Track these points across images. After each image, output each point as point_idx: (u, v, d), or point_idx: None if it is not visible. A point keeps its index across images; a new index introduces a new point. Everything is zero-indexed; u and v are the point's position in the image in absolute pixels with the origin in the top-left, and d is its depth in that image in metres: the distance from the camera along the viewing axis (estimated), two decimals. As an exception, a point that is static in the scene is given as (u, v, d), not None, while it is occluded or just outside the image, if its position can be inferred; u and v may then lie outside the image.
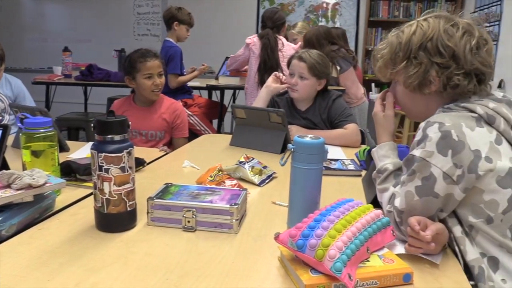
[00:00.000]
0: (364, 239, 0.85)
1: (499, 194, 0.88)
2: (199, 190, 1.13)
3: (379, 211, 0.94)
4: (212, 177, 1.31)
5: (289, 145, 1.01)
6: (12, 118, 2.39)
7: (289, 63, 2.10)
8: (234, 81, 3.52)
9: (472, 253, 0.91)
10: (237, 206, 1.02)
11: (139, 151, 1.67)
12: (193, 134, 3.03)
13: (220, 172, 1.34)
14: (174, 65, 3.33)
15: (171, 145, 2.23)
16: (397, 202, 0.96)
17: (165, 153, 1.83)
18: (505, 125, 0.93)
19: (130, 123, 1.02)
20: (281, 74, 2.14)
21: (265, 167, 1.50)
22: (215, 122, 3.78)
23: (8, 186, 1.02)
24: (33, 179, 1.03)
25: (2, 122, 2.25)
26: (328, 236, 0.80)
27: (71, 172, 1.37)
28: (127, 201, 1.01)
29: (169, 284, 0.80)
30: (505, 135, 0.93)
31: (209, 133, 3.32)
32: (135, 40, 5.68)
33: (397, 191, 0.98)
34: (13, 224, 0.99)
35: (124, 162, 0.99)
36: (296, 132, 2.09)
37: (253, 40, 3.18)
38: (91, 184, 1.33)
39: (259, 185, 1.41)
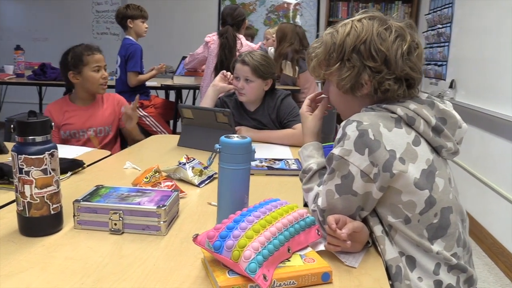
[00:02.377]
0: (284, 239, 0.85)
1: (416, 195, 0.91)
2: (130, 192, 1.11)
3: (303, 210, 0.95)
4: (147, 178, 1.30)
5: (216, 145, 1.01)
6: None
7: (233, 67, 2.10)
8: (189, 80, 3.49)
9: (391, 253, 0.93)
10: (164, 207, 1.01)
11: (88, 155, 1.63)
12: (149, 135, 2.99)
13: (157, 173, 1.33)
14: (134, 63, 3.28)
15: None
16: (319, 201, 0.98)
17: (108, 154, 1.80)
18: (425, 127, 0.95)
19: (53, 123, 1.00)
20: (229, 73, 2.14)
21: (206, 167, 1.49)
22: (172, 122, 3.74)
23: None
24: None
25: None
26: (245, 237, 0.80)
27: (4, 175, 1.32)
28: (50, 204, 0.99)
29: (83, 289, 0.79)
30: (424, 136, 0.95)
31: (165, 133, 3.28)
32: (93, 38, 5.55)
33: (320, 190, 1.00)
34: None
35: (46, 164, 0.96)
36: (245, 133, 2.10)
37: (213, 38, 3.15)
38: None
39: (198, 185, 1.40)
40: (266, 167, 1.58)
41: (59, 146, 1.86)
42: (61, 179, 1.40)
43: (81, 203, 1.03)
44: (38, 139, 0.96)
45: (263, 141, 2.04)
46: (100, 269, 0.85)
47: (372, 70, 0.96)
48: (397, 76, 0.96)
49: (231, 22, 3.13)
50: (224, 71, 2.18)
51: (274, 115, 2.13)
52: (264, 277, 0.77)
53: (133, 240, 0.99)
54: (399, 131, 0.93)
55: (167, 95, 4.01)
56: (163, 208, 1.01)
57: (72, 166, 1.48)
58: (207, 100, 2.14)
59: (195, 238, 0.84)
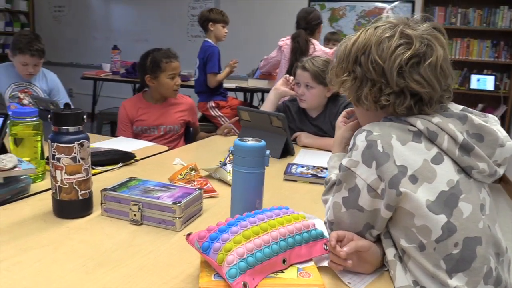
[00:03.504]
0: (279, 249, 0.82)
1: (430, 220, 0.81)
2: (156, 186, 1.16)
3: (310, 222, 0.91)
4: (182, 175, 1.34)
5: (231, 148, 1.00)
6: (47, 109, 2.58)
7: (294, 73, 2.08)
8: (262, 84, 3.53)
9: (402, 280, 0.84)
10: (180, 204, 1.04)
11: (148, 148, 1.73)
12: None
13: (193, 171, 1.36)
14: (213, 64, 3.40)
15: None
16: (328, 213, 0.93)
17: (166, 149, 1.89)
18: (450, 143, 0.85)
19: (85, 116, 1.08)
20: (291, 78, 2.12)
21: (246, 169, 1.49)
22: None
23: (-21, 167, 1.11)
24: (2, 163, 1.11)
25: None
26: (233, 241, 0.79)
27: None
28: (78, 190, 1.06)
29: (82, 270, 0.84)
30: (449, 154, 0.85)
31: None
32: (188, 41, 5.87)
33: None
34: (-23, 202, 1.08)
35: (75, 153, 1.04)
36: (305, 139, 2.07)
37: (286, 42, 3.15)
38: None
39: (234, 186, 1.41)
40: (310, 175, 1.54)
41: (128, 139, 2.03)
42: (112, 169, 1.52)
43: (108, 192, 1.10)
44: (70, 129, 1.04)
45: (321, 148, 2.00)
46: (106, 254, 0.90)
47: (372, 83, 0.88)
48: (394, 90, 0.86)
49: (305, 26, 3.09)
50: (287, 75, 2.17)
51: (335, 122, 2.06)
52: (244, 285, 0.75)
53: (148, 232, 1.03)
54: (417, 145, 0.84)
55: (245, 98, 4.10)
56: (178, 204, 1.04)
57: (123, 158, 1.57)
58: (267, 104, 2.14)
59: (188, 236, 0.85)
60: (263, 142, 0.99)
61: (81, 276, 0.82)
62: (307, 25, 3.08)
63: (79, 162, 1.05)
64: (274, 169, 1.63)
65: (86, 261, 0.87)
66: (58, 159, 1.03)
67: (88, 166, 1.08)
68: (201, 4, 5.71)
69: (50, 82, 2.58)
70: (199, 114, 3.65)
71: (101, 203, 1.11)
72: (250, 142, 0.99)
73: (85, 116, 1.07)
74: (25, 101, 2.47)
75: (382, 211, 0.84)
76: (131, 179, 1.21)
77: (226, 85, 3.60)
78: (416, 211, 0.81)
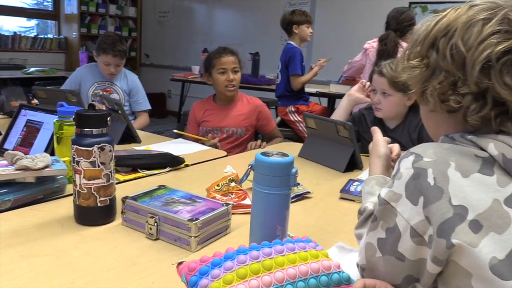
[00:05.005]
0: (284, 293, 0.66)
1: (494, 285, 0.58)
2: (182, 197, 1.05)
3: (332, 263, 0.72)
4: (219, 186, 1.22)
5: (251, 162, 0.86)
6: (127, 109, 2.66)
7: (371, 78, 1.84)
8: (344, 89, 3.27)
9: None
10: (196, 221, 0.92)
11: (205, 152, 1.66)
12: (301, 141, 2.93)
13: (232, 182, 1.24)
14: (294, 66, 3.28)
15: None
16: (360, 255, 0.73)
17: (224, 155, 1.79)
18: None
19: (109, 118, 1.01)
20: (368, 83, 1.89)
21: (297, 184, 1.33)
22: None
23: (12, 165, 1.11)
24: (33, 162, 1.10)
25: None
26: (222, 281, 0.64)
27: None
28: (97, 196, 1.00)
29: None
30: None
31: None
32: (281, 45, 5.76)
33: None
34: (6, 200, 1.07)
35: (94, 157, 0.97)
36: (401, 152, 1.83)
37: (372, 45, 2.89)
38: (118, 176, 1.38)
39: (279, 203, 1.25)
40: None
41: (187, 142, 1.98)
42: (158, 173, 1.46)
43: (128, 200, 1.02)
44: (91, 131, 0.98)
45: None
46: (103, 272, 0.82)
47: (445, 76, 0.67)
48: (472, 90, 0.64)
49: (395, 27, 2.79)
50: (364, 80, 1.94)
51: (415, 135, 1.80)
52: (227, 338, 0.60)
53: (160, 249, 0.93)
54: (485, 179, 0.61)
55: (329, 104, 3.89)
56: (194, 221, 0.92)
57: (171, 162, 1.51)
58: (339, 111, 1.94)
59: (179, 265, 0.72)
60: (289, 158, 0.83)
61: (62, 296, 0.74)
62: (397, 26, 2.79)
63: (99, 167, 0.99)
64: (333, 184, 1.44)
65: (77, 278, 0.79)
66: (77, 163, 0.98)
67: (110, 172, 1.01)
68: (296, 7, 5.60)
69: (131, 82, 2.66)
70: (278, 119, 3.53)
71: (122, 212, 1.03)
72: (274, 156, 0.83)
73: (108, 119, 1.01)
74: (106, 100, 2.57)
75: (429, 265, 0.62)
76: (160, 187, 1.12)
77: (307, 89, 3.44)
78: (475, 271, 0.59)
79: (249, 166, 0.85)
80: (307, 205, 1.27)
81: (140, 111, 2.71)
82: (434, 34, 0.70)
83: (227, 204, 1.03)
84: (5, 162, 1.11)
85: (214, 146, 1.97)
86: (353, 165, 1.65)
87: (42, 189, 1.15)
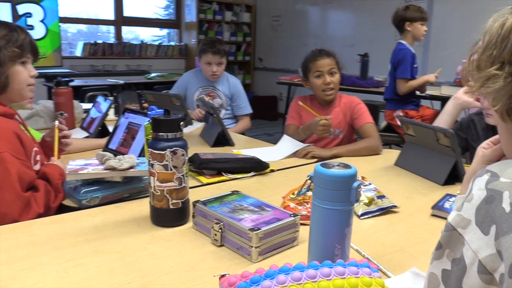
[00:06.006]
0: (327, 322, 0.60)
1: None
2: (250, 205, 1.03)
3: (390, 292, 0.64)
4: (294, 194, 1.17)
5: (310, 174, 0.80)
6: (229, 113, 2.75)
7: None
8: (456, 91, 2.93)
9: None
10: (258, 231, 0.89)
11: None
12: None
13: (310, 191, 1.18)
14: (404, 69, 3.05)
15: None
16: (424, 284, 0.63)
17: (314, 161, 1.73)
18: None
19: (182, 123, 1.03)
20: (478, 86, 1.66)
21: (381, 196, 1.22)
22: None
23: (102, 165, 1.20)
24: (119, 163, 1.17)
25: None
26: (258, 299, 0.60)
27: (192, 163, 1.48)
28: (169, 198, 1.03)
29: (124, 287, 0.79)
30: None
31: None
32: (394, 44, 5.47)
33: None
34: (95, 197, 1.16)
35: (167, 160, 1.00)
36: None
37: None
38: (202, 178, 1.42)
39: (359, 216, 1.16)
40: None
41: (288, 143, 1.95)
42: (241, 177, 1.46)
43: (197, 204, 1.03)
44: (164, 136, 1.01)
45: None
46: (160, 274, 0.83)
47: None
48: None
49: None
50: (475, 82, 1.72)
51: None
52: None
53: (222, 257, 0.92)
54: None
55: (442, 107, 3.55)
56: (256, 231, 0.89)
57: (256, 167, 1.50)
58: (443, 115, 1.75)
59: (221, 277, 0.69)
60: (351, 170, 0.75)
61: (118, 294, 0.77)
62: None
63: (171, 170, 1.01)
64: (427, 199, 1.30)
65: (135, 278, 0.82)
66: (152, 165, 1.02)
67: (182, 175, 1.03)
68: (413, 3, 5.24)
69: (232, 87, 2.73)
70: (383, 123, 3.33)
71: (192, 216, 1.05)
72: (335, 168, 0.77)
73: (182, 123, 1.03)
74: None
75: None
76: (233, 192, 1.11)
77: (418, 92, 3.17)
78: None
79: (308, 178, 0.80)
80: (392, 220, 1.16)
81: (242, 115, 2.77)
82: None
83: (295, 215, 0.98)
84: (96, 161, 1.21)
85: (327, 125, 1.84)
86: (455, 177, 1.47)
87: (128, 188, 1.23)
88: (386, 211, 1.19)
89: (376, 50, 5.02)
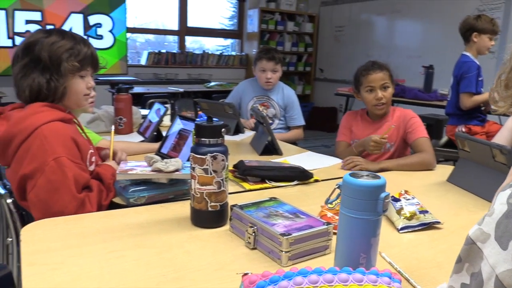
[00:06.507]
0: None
1: None
2: (286, 211, 1.05)
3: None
4: (332, 204, 1.17)
5: (339, 183, 0.81)
6: (282, 123, 2.78)
7: None
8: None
9: None
10: (288, 236, 0.91)
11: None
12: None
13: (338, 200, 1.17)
14: (468, 83, 2.91)
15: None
16: None
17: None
18: None
19: (224, 129, 1.08)
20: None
21: (424, 211, 1.19)
22: None
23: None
24: (165, 165, 1.24)
25: (272, 126, 2.65)
26: (274, 299, 0.62)
27: (238, 169, 1.52)
28: (208, 201, 1.08)
29: (158, 279, 0.84)
30: None
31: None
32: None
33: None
34: (141, 196, 1.24)
35: (207, 165, 1.06)
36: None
37: None
38: (246, 184, 1.46)
39: (399, 230, 1.14)
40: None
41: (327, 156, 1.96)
42: (284, 185, 1.49)
43: (234, 208, 1.07)
44: (206, 141, 1.06)
45: None
46: (191, 271, 0.88)
47: None
48: None
49: None
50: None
51: None
52: None
53: (253, 259, 0.95)
54: None
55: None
56: (286, 236, 0.91)
57: (299, 176, 1.52)
58: (504, 132, 1.67)
59: (244, 275, 0.72)
60: (379, 180, 0.75)
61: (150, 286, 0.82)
62: None
63: (211, 174, 1.06)
64: (475, 217, 1.23)
65: (170, 272, 0.87)
66: (193, 169, 1.07)
67: (221, 179, 1.08)
68: (486, 13, 4.98)
69: (286, 97, 2.75)
70: (444, 138, 3.20)
71: (230, 219, 1.09)
72: (364, 178, 0.77)
73: (223, 130, 1.08)
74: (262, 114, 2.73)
75: None
76: (271, 199, 1.14)
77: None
78: None
79: (336, 186, 0.81)
80: (434, 236, 1.12)
81: (295, 126, 2.78)
82: None
83: (328, 224, 0.99)
84: (145, 163, 1.29)
85: (379, 143, 1.81)
86: (511, 196, 1.39)
87: (173, 190, 1.30)
88: (428, 226, 1.16)
89: (443, 62, 4.83)
